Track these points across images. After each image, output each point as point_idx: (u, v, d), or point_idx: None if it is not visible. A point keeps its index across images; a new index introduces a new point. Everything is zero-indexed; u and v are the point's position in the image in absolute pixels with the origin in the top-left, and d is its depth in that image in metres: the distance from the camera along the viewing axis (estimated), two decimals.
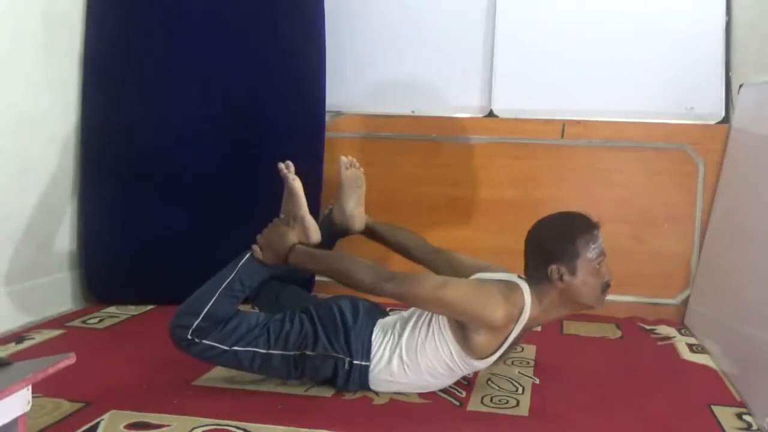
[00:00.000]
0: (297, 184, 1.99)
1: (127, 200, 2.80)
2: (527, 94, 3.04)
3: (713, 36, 2.90)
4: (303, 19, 2.84)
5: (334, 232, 2.16)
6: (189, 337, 1.88)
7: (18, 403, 1.24)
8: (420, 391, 1.96)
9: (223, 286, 1.93)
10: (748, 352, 2.09)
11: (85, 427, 1.70)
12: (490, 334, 1.82)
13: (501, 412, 1.88)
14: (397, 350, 1.90)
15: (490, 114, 3.05)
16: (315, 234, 1.99)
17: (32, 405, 1.27)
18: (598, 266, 1.82)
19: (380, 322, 1.97)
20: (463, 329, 1.83)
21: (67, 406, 1.81)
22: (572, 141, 2.94)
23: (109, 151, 2.80)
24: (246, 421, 1.74)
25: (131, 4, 2.81)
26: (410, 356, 1.89)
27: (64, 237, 2.81)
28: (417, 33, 3.15)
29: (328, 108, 2.94)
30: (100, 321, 2.64)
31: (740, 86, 2.76)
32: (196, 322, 1.88)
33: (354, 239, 2.24)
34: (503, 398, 1.96)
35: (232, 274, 1.95)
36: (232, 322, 1.91)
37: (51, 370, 1.27)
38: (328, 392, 1.96)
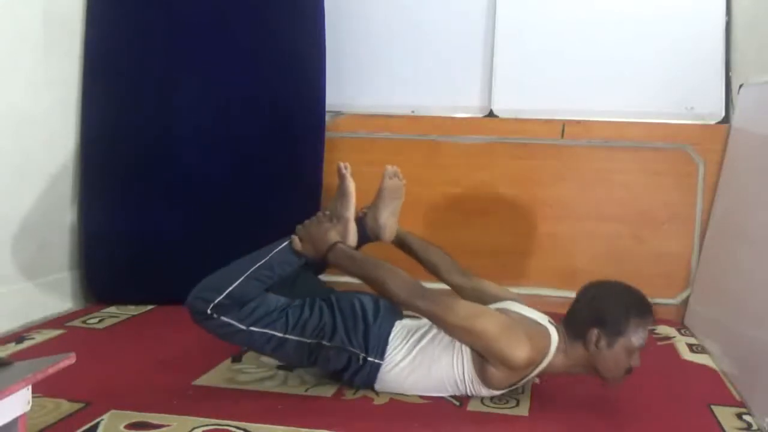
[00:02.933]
0: (352, 187, 2.03)
1: (127, 200, 2.80)
2: (527, 94, 3.04)
3: (713, 36, 2.90)
4: (303, 19, 2.84)
5: (363, 237, 2.14)
6: (208, 311, 1.87)
7: (18, 403, 1.24)
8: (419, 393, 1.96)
9: (253, 269, 1.91)
10: (748, 352, 2.09)
11: (85, 427, 1.70)
12: (508, 372, 1.82)
13: (501, 412, 1.88)
14: (411, 355, 1.89)
15: (490, 114, 3.05)
16: (353, 239, 2.01)
17: (32, 405, 1.27)
18: (633, 352, 1.83)
19: (400, 324, 1.96)
20: (482, 360, 1.83)
21: (67, 406, 1.81)
22: (572, 141, 2.94)
23: (109, 151, 2.80)
24: (246, 421, 1.74)
25: (131, 4, 2.81)
26: (423, 364, 1.89)
27: (64, 237, 2.81)
28: (417, 33, 3.15)
29: (328, 108, 2.94)
30: (100, 321, 2.64)
31: (740, 86, 2.76)
32: (218, 299, 1.86)
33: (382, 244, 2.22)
34: (503, 398, 1.96)
35: (265, 259, 1.93)
36: (253, 302, 1.89)
37: (51, 370, 1.27)
38: (328, 392, 1.97)
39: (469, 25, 3.11)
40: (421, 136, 3.08)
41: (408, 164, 3.06)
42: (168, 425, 1.73)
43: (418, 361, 1.89)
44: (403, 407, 1.89)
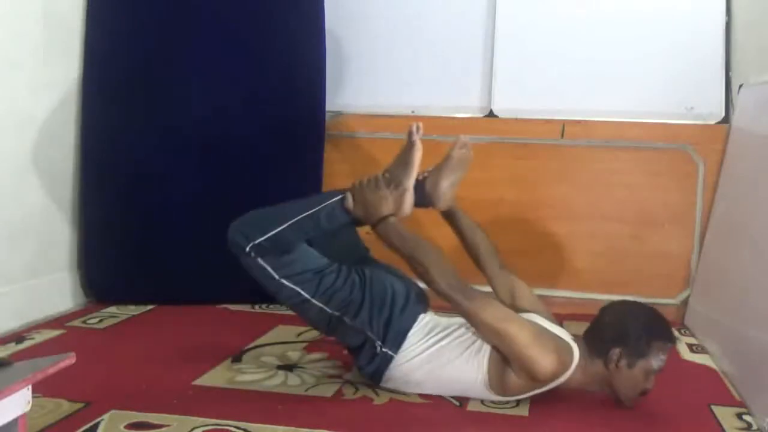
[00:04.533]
0: (419, 155, 1.95)
1: (127, 200, 2.80)
2: (527, 94, 3.04)
3: (713, 36, 2.90)
4: (303, 19, 2.84)
5: (418, 201, 2.07)
6: (247, 249, 1.87)
7: (18, 403, 1.24)
8: (424, 391, 1.96)
9: (300, 217, 1.89)
10: (748, 352, 2.09)
11: (85, 427, 1.70)
12: (528, 382, 1.82)
13: (501, 412, 1.88)
14: (427, 352, 1.89)
15: (490, 114, 3.05)
16: (408, 210, 1.95)
17: (32, 405, 1.27)
18: (651, 374, 1.84)
19: (424, 319, 1.95)
20: (504, 366, 1.83)
21: (67, 406, 1.81)
22: (572, 141, 2.94)
23: (109, 151, 2.80)
24: (246, 421, 1.74)
25: (131, 4, 2.81)
26: (437, 362, 1.88)
27: (64, 237, 2.81)
28: (417, 33, 3.15)
29: (328, 108, 2.94)
30: (100, 321, 2.64)
31: (740, 86, 2.76)
32: (260, 239, 1.86)
33: (428, 219, 2.18)
34: (507, 401, 1.95)
35: (314, 210, 1.91)
36: (292, 254, 1.88)
37: (51, 370, 1.27)
38: (328, 392, 1.97)
39: (469, 25, 3.12)
40: (421, 136, 3.07)
41: None
42: (168, 425, 1.73)
43: (433, 358, 1.88)
44: (403, 407, 1.89)
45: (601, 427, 1.83)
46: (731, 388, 2.07)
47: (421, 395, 1.95)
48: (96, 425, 1.72)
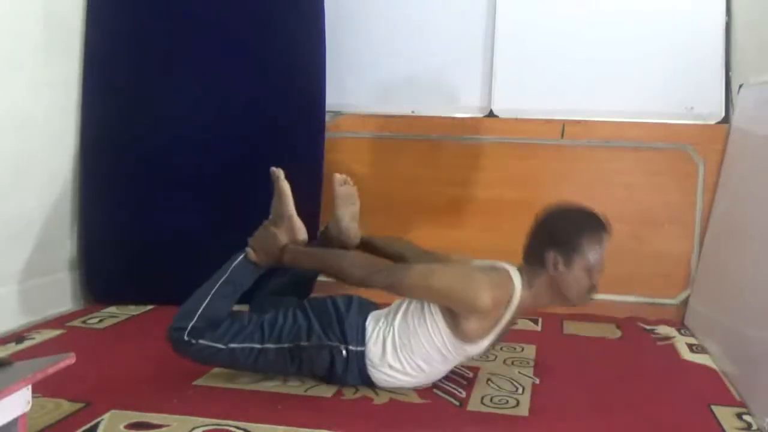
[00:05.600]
0: (286, 186, 2.07)
1: (127, 200, 2.80)
2: (527, 94, 3.04)
3: (713, 36, 2.90)
4: (303, 18, 2.84)
5: (331, 247, 2.17)
6: (186, 338, 1.92)
7: (18, 403, 1.24)
8: (419, 386, 1.97)
9: (217, 287, 1.99)
10: (748, 352, 2.09)
11: (85, 427, 1.70)
12: (480, 319, 1.83)
13: (501, 412, 1.88)
14: (390, 336, 1.92)
15: (490, 114, 3.05)
16: (302, 233, 2.05)
17: (32, 405, 1.27)
18: (593, 269, 1.83)
19: (373, 313, 2.00)
20: (453, 315, 1.85)
21: (67, 406, 1.81)
22: (572, 141, 2.94)
23: (109, 151, 2.81)
24: (246, 421, 1.74)
25: (131, 4, 2.81)
26: (403, 342, 1.91)
27: (64, 237, 2.81)
28: (417, 33, 3.15)
29: (328, 108, 2.94)
30: (100, 321, 2.64)
31: (740, 86, 2.76)
32: (191, 324, 1.92)
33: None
34: (503, 398, 1.96)
35: (226, 275, 2.02)
36: (226, 322, 1.95)
37: (51, 370, 1.27)
38: (328, 392, 1.96)
39: (469, 25, 3.12)
40: (421, 136, 3.08)
41: (408, 164, 3.09)
42: (168, 425, 1.73)
43: (399, 341, 1.91)
44: (403, 407, 1.89)
45: (601, 428, 1.83)
46: (731, 388, 2.07)
47: (420, 395, 1.95)
48: (96, 425, 1.72)
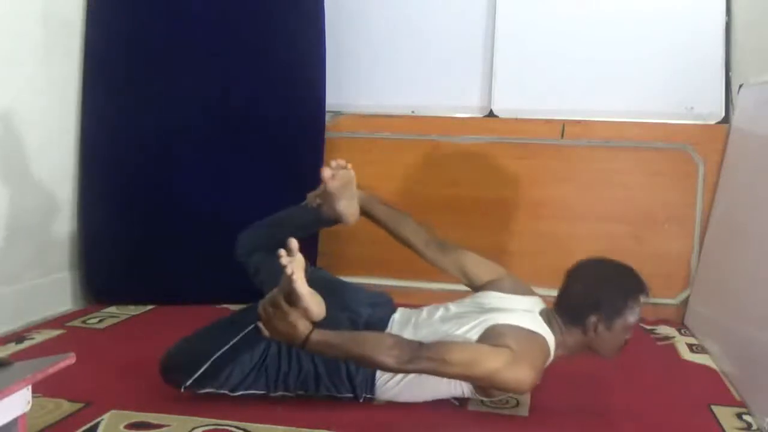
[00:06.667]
0: (290, 271, 1.60)
1: (127, 200, 2.80)
2: (527, 94, 3.04)
3: (713, 36, 2.90)
4: (303, 19, 2.84)
5: (323, 223, 2.04)
6: (182, 390, 1.85)
7: (18, 403, 1.24)
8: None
9: (222, 351, 1.83)
10: (748, 352, 2.09)
11: (85, 427, 1.70)
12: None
13: (501, 412, 1.88)
14: (405, 384, 1.85)
15: (490, 114, 3.05)
16: (319, 311, 1.71)
17: (32, 405, 1.27)
18: (630, 328, 1.83)
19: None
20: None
21: (67, 406, 1.81)
22: (572, 141, 2.94)
23: (109, 151, 2.80)
24: (246, 421, 1.74)
25: (131, 4, 2.81)
26: (416, 388, 1.85)
27: (64, 237, 2.81)
28: (417, 33, 3.15)
29: (328, 108, 2.94)
30: (100, 321, 2.64)
31: (740, 86, 2.76)
32: (189, 381, 1.84)
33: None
34: (503, 398, 1.96)
35: (234, 341, 1.84)
36: (225, 370, 1.83)
37: (51, 370, 1.26)
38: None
39: (469, 25, 3.11)
40: (421, 136, 3.08)
41: (408, 164, 3.09)
42: (168, 425, 1.73)
43: (414, 386, 1.84)
44: (404, 407, 1.89)
45: (601, 428, 1.83)
46: (731, 388, 2.07)
47: None
48: (96, 425, 1.72)
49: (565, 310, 1.87)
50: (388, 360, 1.68)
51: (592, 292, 1.84)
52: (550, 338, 1.83)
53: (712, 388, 2.10)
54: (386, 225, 2.06)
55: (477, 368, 1.70)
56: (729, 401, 1.98)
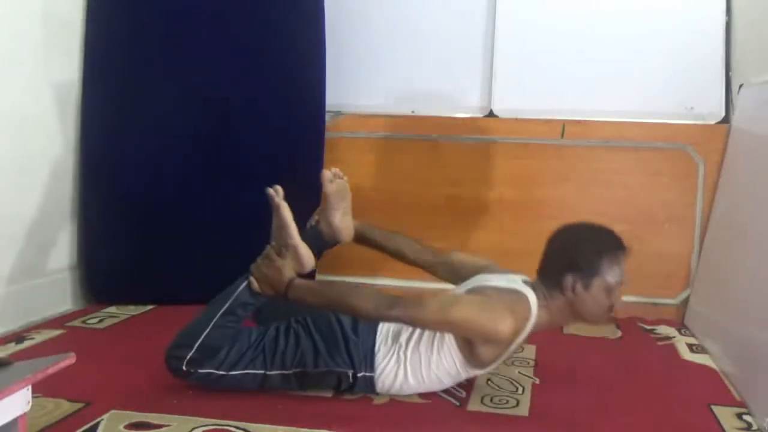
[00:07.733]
0: (287, 214, 1.90)
1: (127, 200, 2.80)
2: (527, 94, 3.04)
3: (713, 36, 2.90)
4: (303, 19, 2.84)
5: (322, 244, 2.09)
6: (184, 368, 1.87)
7: (18, 403, 1.24)
8: (421, 392, 1.96)
9: (217, 317, 1.88)
10: (748, 352, 2.09)
11: (85, 427, 1.70)
12: (496, 346, 1.82)
13: (501, 412, 1.88)
14: (402, 369, 1.88)
15: (490, 114, 3.05)
16: (309, 261, 1.91)
17: (32, 405, 1.27)
18: (612, 289, 1.83)
19: (381, 330, 1.93)
20: (468, 343, 1.83)
21: (67, 406, 1.81)
22: (572, 141, 2.94)
23: (109, 151, 2.80)
24: (246, 421, 1.74)
25: (131, 4, 2.81)
26: (416, 373, 1.88)
27: (64, 237, 2.81)
28: (417, 33, 3.15)
29: (328, 108, 2.94)
30: (100, 321, 2.64)
31: (740, 86, 2.76)
32: (190, 354, 1.85)
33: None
34: (503, 398, 1.96)
35: (226, 305, 1.90)
36: (224, 348, 1.87)
37: (51, 370, 1.27)
38: (328, 392, 1.96)
39: (469, 25, 3.12)
40: (421, 136, 3.08)
41: (408, 164, 3.09)
42: (168, 425, 1.73)
43: (412, 370, 1.88)
44: (403, 407, 1.89)
45: (601, 428, 1.83)
46: (731, 388, 2.07)
47: (421, 395, 1.95)
48: (96, 425, 1.72)
49: (545, 275, 1.89)
50: (367, 305, 1.79)
51: (567, 251, 1.86)
52: (531, 297, 1.85)
53: (712, 388, 2.10)
54: (382, 245, 2.15)
55: (453, 311, 1.77)
56: (729, 401, 1.98)
